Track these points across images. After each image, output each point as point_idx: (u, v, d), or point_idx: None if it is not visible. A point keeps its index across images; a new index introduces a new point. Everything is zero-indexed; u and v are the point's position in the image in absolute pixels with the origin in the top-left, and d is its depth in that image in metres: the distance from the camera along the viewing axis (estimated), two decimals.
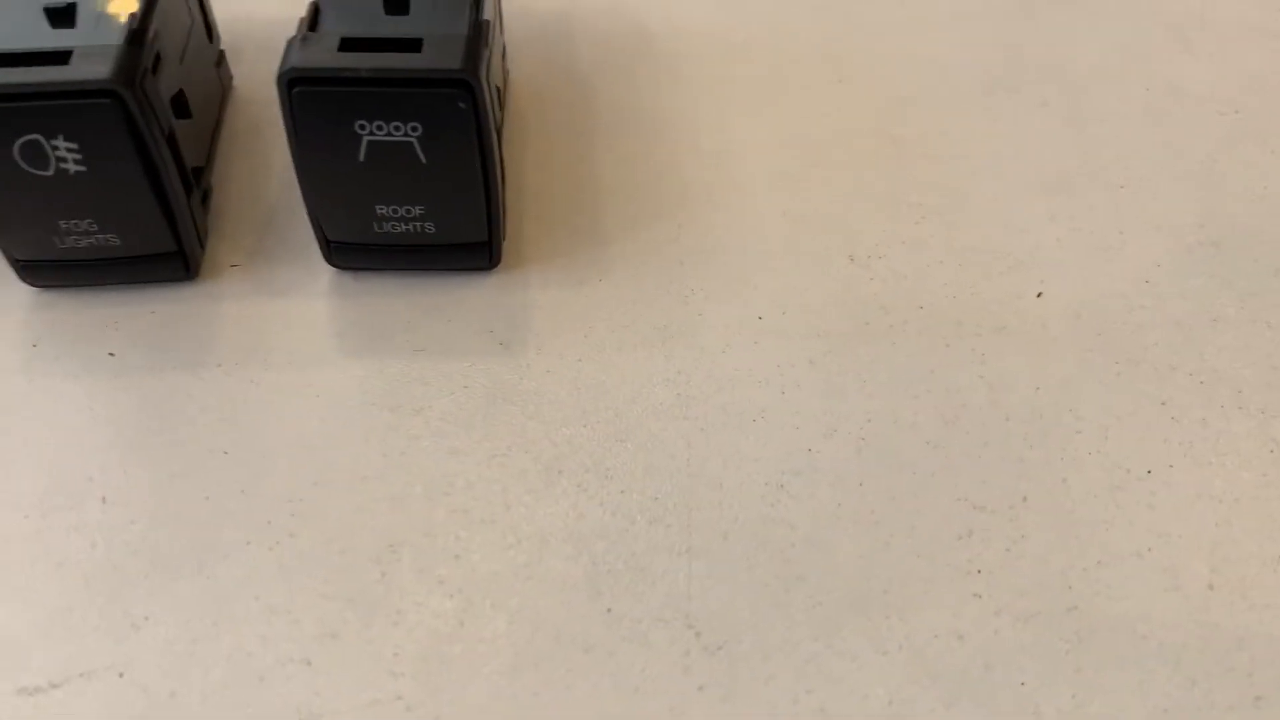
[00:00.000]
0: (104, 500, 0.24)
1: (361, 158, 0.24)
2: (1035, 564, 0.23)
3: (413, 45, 0.24)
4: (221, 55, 0.31)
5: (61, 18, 0.24)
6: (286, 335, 0.26)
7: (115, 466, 0.24)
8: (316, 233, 0.26)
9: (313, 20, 0.25)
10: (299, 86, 0.23)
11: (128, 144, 0.24)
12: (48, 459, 0.24)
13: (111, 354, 0.26)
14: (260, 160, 0.30)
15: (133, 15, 0.24)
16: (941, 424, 0.25)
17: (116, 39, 0.24)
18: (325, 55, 0.23)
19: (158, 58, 0.25)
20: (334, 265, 0.27)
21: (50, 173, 0.24)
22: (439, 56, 0.23)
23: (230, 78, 0.32)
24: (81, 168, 0.24)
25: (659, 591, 0.23)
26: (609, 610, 0.22)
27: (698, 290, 0.27)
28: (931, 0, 0.35)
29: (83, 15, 0.24)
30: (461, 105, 0.23)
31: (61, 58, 0.23)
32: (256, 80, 0.32)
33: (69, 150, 0.23)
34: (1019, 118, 0.32)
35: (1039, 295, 0.27)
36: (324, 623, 0.22)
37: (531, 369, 0.26)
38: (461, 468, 0.24)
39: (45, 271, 0.26)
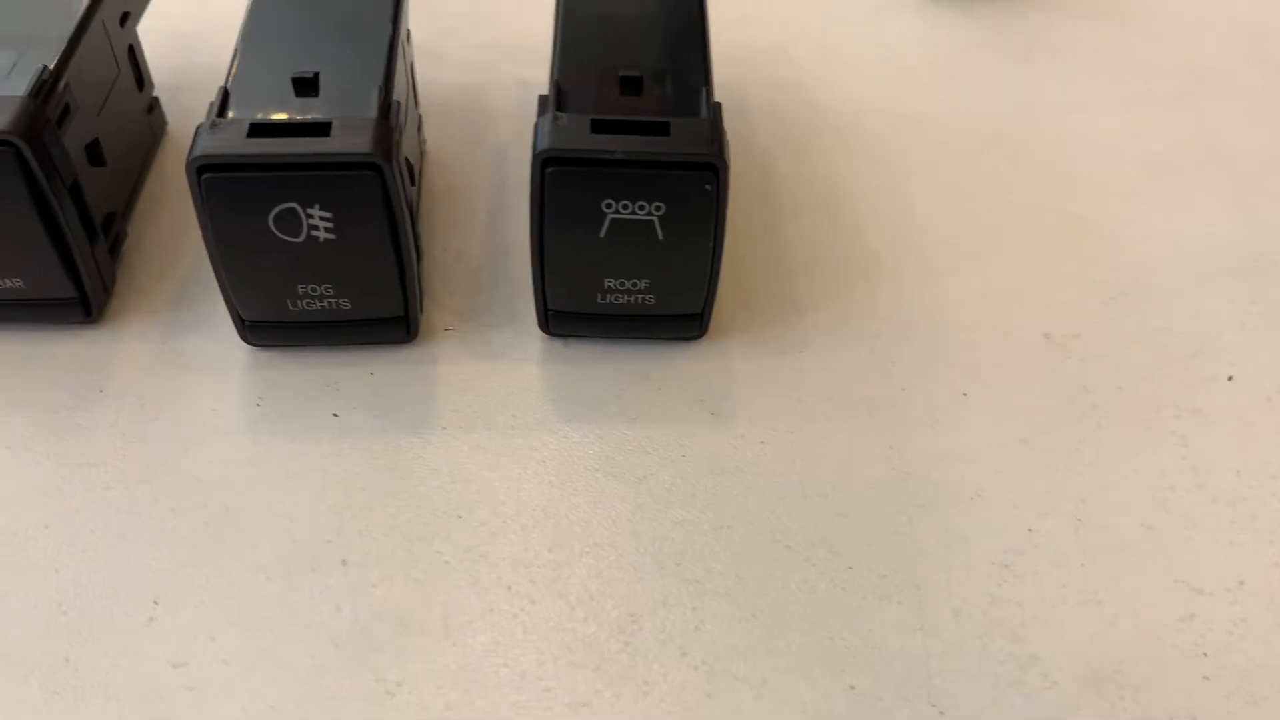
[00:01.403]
0: (344, 563, 0.24)
1: (602, 233, 0.25)
2: (1260, 646, 0.24)
3: (660, 129, 0.24)
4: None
5: (307, 88, 0.25)
6: (504, 399, 0.27)
7: (352, 528, 0.25)
8: (538, 300, 0.27)
9: (561, 100, 0.25)
10: (553, 166, 0.24)
11: (381, 215, 0.24)
12: (284, 520, 0.25)
13: (335, 415, 0.27)
14: (463, 226, 0.31)
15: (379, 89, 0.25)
16: (1152, 505, 0.26)
17: (368, 111, 0.24)
18: (581, 137, 0.24)
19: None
20: (549, 333, 0.28)
21: (301, 239, 0.24)
22: (689, 141, 0.24)
23: None
24: (331, 236, 0.24)
25: (898, 669, 0.23)
26: (851, 687, 0.23)
27: (898, 363, 0.28)
28: (1095, 83, 0.36)
29: (326, 88, 0.25)
30: (708, 187, 0.24)
31: (321, 129, 0.24)
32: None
33: (323, 219, 0.24)
34: (1188, 199, 0.32)
35: (1230, 379, 0.28)
36: (575, 691, 0.22)
37: (745, 440, 0.27)
38: (690, 538, 0.25)
39: (271, 332, 0.27)
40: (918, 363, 0.28)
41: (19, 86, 0.25)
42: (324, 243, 0.24)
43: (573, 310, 0.27)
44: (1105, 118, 0.35)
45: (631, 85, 0.26)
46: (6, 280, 0.26)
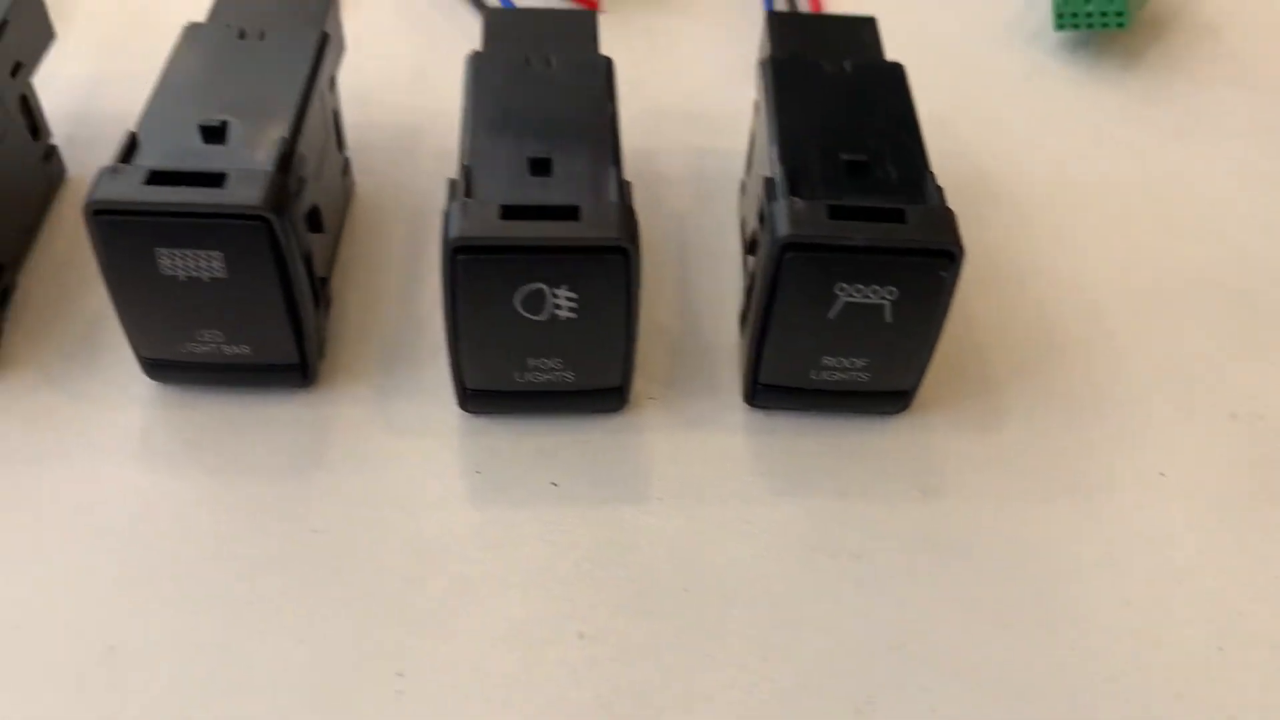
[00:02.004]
0: (581, 636, 0.25)
1: (832, 315, 0.25)
2: None
3: (896, 216, 0.25)
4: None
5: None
6: (714, 471, 0.27)
7: (585, 600, 0.25)
8: (748, 373, 0.27)
9: (795, 187, 0.26)
10: (791, 252, 0.25)
11: (621, 295, 0.25)
12: (517, 591, 0.25)
13: (554, 484, 0.27)
14: (662, 297, 0.31)
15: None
16: None
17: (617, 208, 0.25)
18: (822, 225, 0.24)
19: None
20: (755, 405, 0.28)
21: (543, 318, 0.25)
22: (925, 228, 0.25)
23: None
24: (573, 315, 0.25)
25: None
26: None
27: (1094, 441, 0.28)
28: (1248, 156, 0.37)
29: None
30: (943, 275, 0.25)
31: (570, 213, 0.24)
32: None
33: (566, 300, 0.25)
34: None
35: None
36: None
37: (955, 517, 0.27)
38: (913, 618, 0.25)
39: (493, 401, 0.27)
40: (1113, 441, 0.28)
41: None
42: (564, 321, 0.25)
43: (785, 385, 0.27)
44: (1264, 192, 0.35)
45: (858, 170, 0.26)
46: (235, 347, 0.26)
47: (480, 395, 0.27)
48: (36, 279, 0.30)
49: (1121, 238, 0.34)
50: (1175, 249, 0.34)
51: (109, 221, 0.24)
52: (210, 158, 0.25)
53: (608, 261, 0.24)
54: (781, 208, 0.25)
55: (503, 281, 0.24)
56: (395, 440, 0.27)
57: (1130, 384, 0.30)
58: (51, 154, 0.32)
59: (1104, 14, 0.37)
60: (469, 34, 0.38)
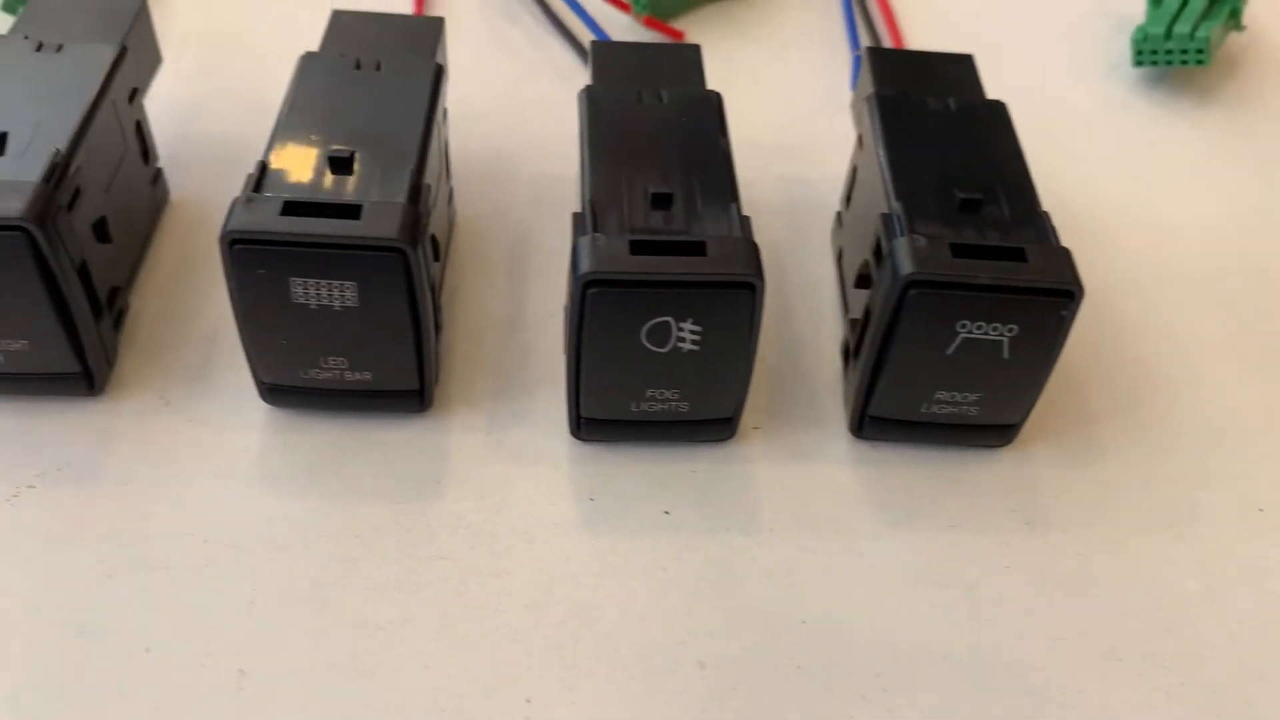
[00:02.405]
0: (702, 665, 0.25)
1: (950, 351, 0.26)
2: None
3: (1017, 254, 0.25)
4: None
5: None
6: (823, 501, 0.28)
7: (702, 630, 0.25)
8: (858, 405, 0.28)
9: (912, 222, 0.26)
10: (914, 289, 0.25)
11: (746, 329, 0.25)
12: (636, 619, 0.25)
13: (667, 512, 0.27)
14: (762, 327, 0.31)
15: None
16: None
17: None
18: (944, 262, 0.25)
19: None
20: (862, 437, 0.29)
21: (667, 350, 0.25)
22: (1046, 267, 0.25)
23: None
24: (695, 347, 0.25)
25: None
26: None
27: (1194, 475, 0.29)
28: None
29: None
30: (1063, 314, 0.25)
31: (697, 248, 0.25)
32: None
33: (690, 333, 0.25)
34: None
35: None
36: None
37: (1062, 550, 0.27)
38: (1028, 650, 0.25)
39: (607, 428, 0.28)
40: (1212, 476, 0.29)
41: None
42: (686, 353, 0.25)
43: (895, 418, 0.28)
44: None
45: (973, 207, 0.27)
46: (357, 373, 0.27)
47: (594, 423, 0.27)
48: (145, 301, 0.31)
49: (1205, 274, 0.34)
50: (1260, 286, 0.34)
51: (244, 251, 0.24)
52: (341, 189, 0.25)
53: (735, 296, 0.25)
54: (903, 245, 0.25)
55: (631, 315, 0.25)
56: (510, 467, 0.28)
57: (1223, 419, 0.30)
58: (158, 177, 0.32)
59: (1184, 51, 0.38)
60: (558, 65, 0.39)
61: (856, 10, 0.40)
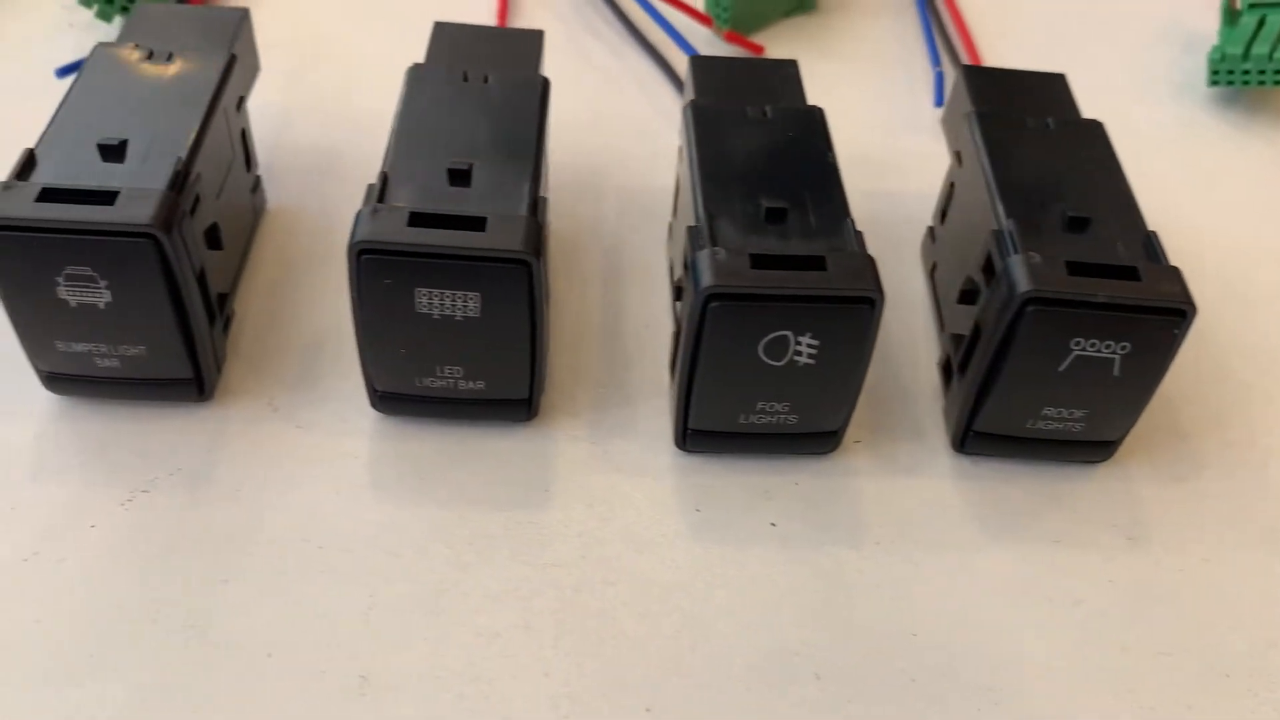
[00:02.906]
0: (818, 677, 0.25)
1: (1062, 368, 0.26)
2: None
3: (1130, 273, 0.26)
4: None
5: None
6: (926, 515, 0.28)
7: (815, 642, 0.26)
8: (962, 419, 0.28)
9: (1026, 241, 0.26)
10: (1032, 306, 0.25)
11: (863, 343, 0.26)
12: (749, 630, 0.26)
13: (773, 524, 0.28)
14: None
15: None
16: None
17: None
18: (1060, 280, 0.25)
19: None
20: (966, 452, 0.29)
21: (783, 364, 0.26)
22: (1160, 285, 0.25)
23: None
24: (811, 361, 0.26)
25: None
26: None
27: None
28: None
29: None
30: (1175, 331, 0.25)
31: (817, 263, 0.25)
32: None
33: (808, 347, 0.25)
34: None
35: None
36: None
37: (1162, 566, 0.28)
38: (1136, 666, 0.26)
39: (713, 440, 0.28)
40: None
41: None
42: (802, 366, 0.26)
43: (1000, 433, 0.28)
44: None
45: (1081, 225, 0.27)
46: (471, 383, 0.27)
47: (701, 435, 0.28)
48: (248, 307, 0.31)
49: None
50: None
51: (372, 260, 0.25)
52: (463, 201, 0.26)
53: (856, 311, 0.25)
54: (1019, 262, 0.26)
55: (750, 328, 0.25)
56: (616, 477, 0.28)
57: None
58: (257, 184, 0.33)
59: (1262, 72, 0.38)
60: (640, 77, 0.39)
61: (935, 29, 0.41)
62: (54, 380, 0.27)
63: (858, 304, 0.25)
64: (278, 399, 0.29)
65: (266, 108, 0.36)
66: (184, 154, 0.26)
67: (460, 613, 0.25)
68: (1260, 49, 0.38)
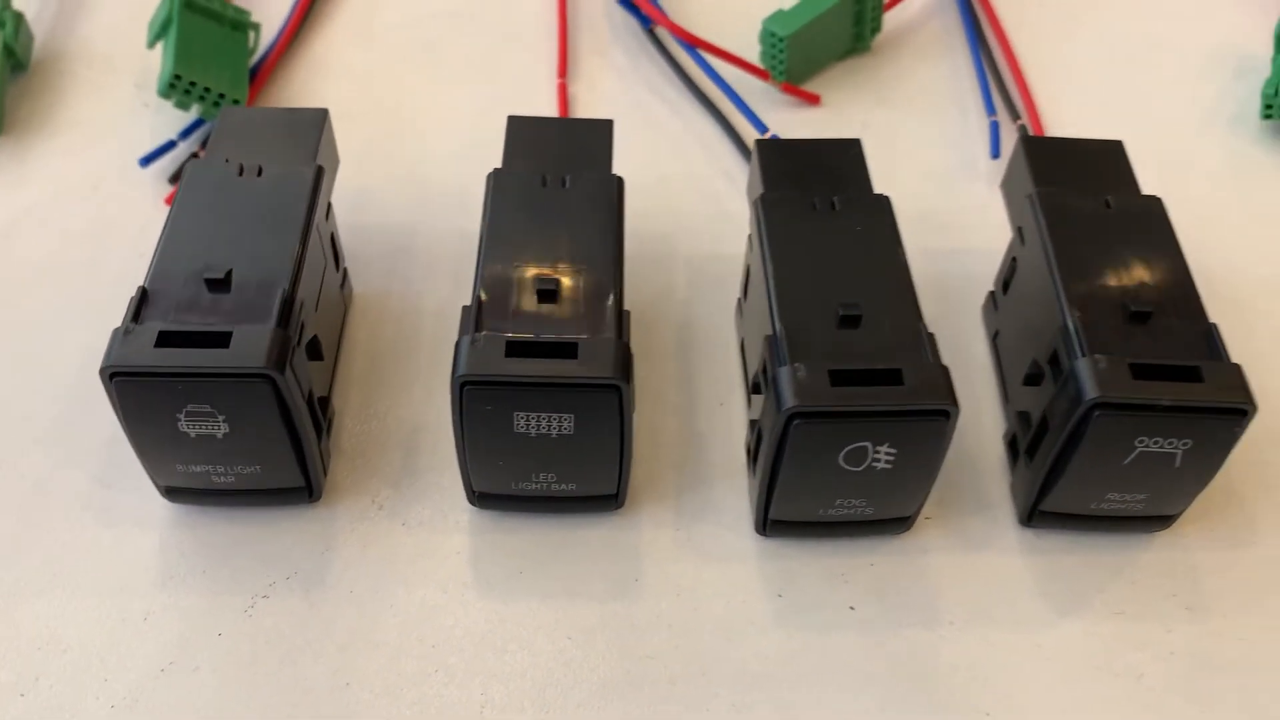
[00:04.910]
0: None
1: (1127, 462, 0.27)
2: None
3: (1193, 374, 0.27)
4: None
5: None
6: (996, 591, 0.30)
7: None
8: (1029, 500, 0.29)
9: (1093, 344, 0.27)
10: (1099, 411, 0.26)
11: (939, 449, 0.27)
12: (834, 713, 0.27)
13: (852, 608, 0.29)
14: None
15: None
16: None
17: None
18: (1125, 384, 0.26)
19: None
20: (1032, 526, 0.30)
21: (861, 469, 0.27)
22: (1222, 387, 0.26)
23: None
24: (889, 465, 0.27)
25: None
26: None
27: None
28: None
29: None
30: (1236, 430, 0.27)
31: (894, 377, 0.26)
32: None
33: (886, 454, 0.27)
34: None
35: None
36: None
37: (1224, 635, 0.29)
38: None
39: (794, 528, 0.29)
40: None
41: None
42: (880, 470, 0.27)
43: (1065, 512, 0.29)
44: None
45: (1142, 319, 0.28)
46: (564, 485, 0.29)
47: (781, 524, 0.29)
48: (345, 403, 0.33)
49: None
50: None
51: (474, 390, 0.26)
52: (552, 322, 0.27)
53: (932, 423, 0.26)
54: (1086, 367, 0.27)
55: (831, 442, 0.26)
56: (702, 565, 0.30)
57: None
58: (345, 278, 0.34)
59: None
60: (701, 136, 0.40)
61: (988, 69, 0.41)
62: (172, 493, 0.29)
63: (934, 416, 0.26)
64: (381, 495, 0.31)
65: (340, 185, 0.37)
66: (287, 285, 0.28)
67: (566, 708, 0.27)
68: None
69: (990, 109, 0.39)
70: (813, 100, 0.40)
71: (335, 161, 0.33)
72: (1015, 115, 0.39)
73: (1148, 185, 0.33)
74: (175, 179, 0.37)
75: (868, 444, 0.27)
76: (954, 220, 0.38)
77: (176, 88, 0.36)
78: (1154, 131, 0.41)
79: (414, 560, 0.30)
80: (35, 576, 0.29)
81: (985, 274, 0.35)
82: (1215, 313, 0.35)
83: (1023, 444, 0.30)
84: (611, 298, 0.28)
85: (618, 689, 0.28)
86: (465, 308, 0.28)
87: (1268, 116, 0.39)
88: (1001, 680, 0.28)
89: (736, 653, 0.28)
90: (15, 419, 0.32)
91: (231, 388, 0.26)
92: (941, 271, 0.36)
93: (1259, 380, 0.33)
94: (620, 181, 0.31)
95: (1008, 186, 0.34)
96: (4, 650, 0.28)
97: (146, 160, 0.37)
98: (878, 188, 0.32)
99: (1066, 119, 0.41)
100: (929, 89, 0.42)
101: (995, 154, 0.38)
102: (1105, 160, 0.33)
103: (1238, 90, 0.43)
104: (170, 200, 0.33)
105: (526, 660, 0.28)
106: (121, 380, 0.26)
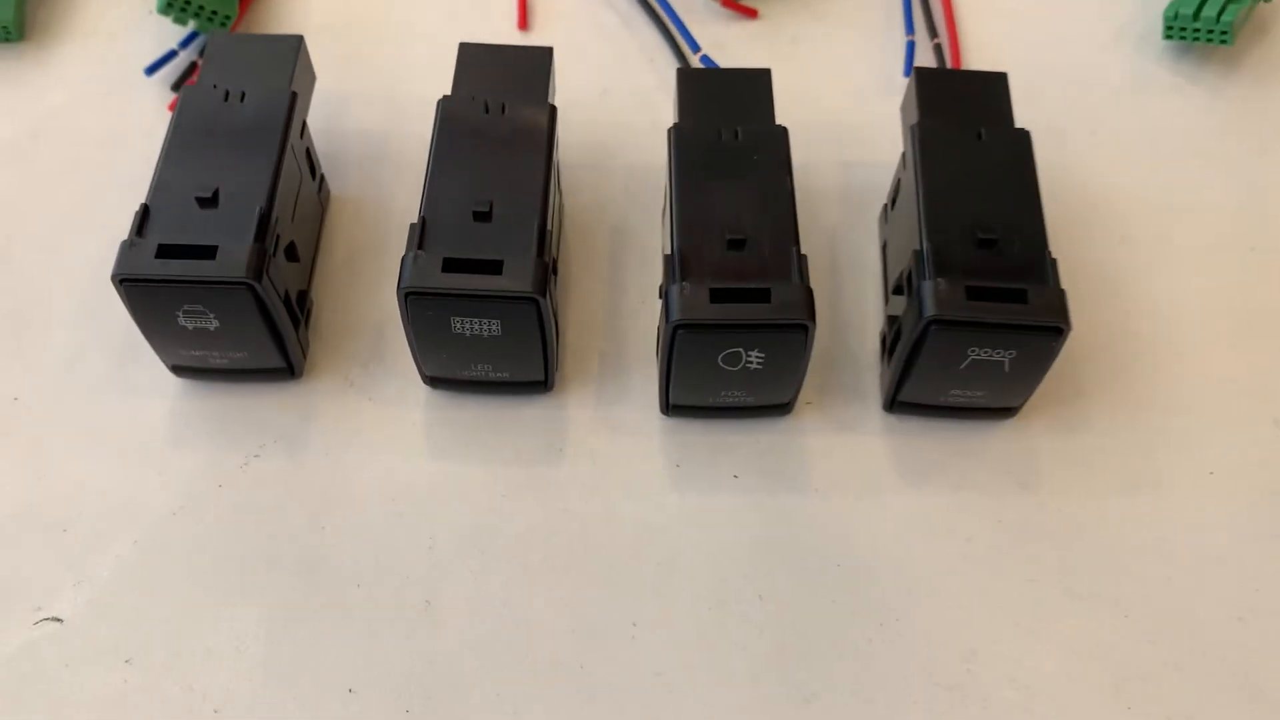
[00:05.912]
0: (760, 598, 0.33)
1: (961, 366, 0.33)
2: None
3: (1019, 295, 0.31)
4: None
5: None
6: (860, 466, 0.36)
7: (763, 569, 0.34)
8: (889, 391, 0.35)
9: None
10: (935, 326, 0.32)
11: (801, 357, 0.32)
12: (712, 561, 0.34)
13: (736, 476, 0.35)
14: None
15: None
16: None
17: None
18: (958, 305, 0.31)
19: None
20: (894, 413, 0.36)
21: (737, 369, 0.33)
22: (1043, 309, 0.31)
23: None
24: (760, 366, 0.32)
25: None
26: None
27: (1161, 442, 0.36)
28: None
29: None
30: (1053, 344, 0.32)
31: (764, 295, 0.31)
32: None
33: (757, 358, 0.32)
34: None
35: None
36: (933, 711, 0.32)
37: (1047, 508, 0.35)
38: (1002, 587, 0.34)
39: (689, 411, 0.35)
40: (1176, 443, 0.36)
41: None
42: (754, 369, 0.33)
43: (919, 402, 0.35)
44: None
45: (988, 245, 0.33)
46: (500, 373, 0.35)
47: (680, 407, 0.35)
48: (322, 293, 0.38)
49: (1206, 255, 0.40)
50: (1254, 265, 0.39)
51: (416, 299, 0.32)
52: (484, 241, 0.32)
53: (793, 334, 0.32)
54: (928, 289, 0.32)
55: (709, 347, 0.32)
56: (615, 438, 0.36)
57: (1191, 393, 0.37)
58: (321, 184, 0.39)
59: (1210, 30, 0.41)
60: (647, 49, 0.44)
61: None
62: (178, 370, 0.36)
63: (795, 329, 0.31)
64: (353, 375, 0.37)
65: (320, 93, 0.42)
66: (264, 202, 0.33)
67: (498, 549, 0.34)
68: (1209, 11, 0.41)
69: (910, 28, 0.43)
70: (750, 14, 0.44)
71: (311, 81, 0.38)
72: (934, 33, 0.43)
73: (1050, 103, 0.36)
74: (177, 86, 0.42)
75: (740, 349, 0.32)
76: (866, 134, 0.42)
77: (174, 5, 0.41)
78: (1061, 49, 0.45)
79: (379, 429, 0.36)
80: (72, 437, 0.36)
81: (886, 186, 0.40)
82: (1097, 227, 0.40)
83: (887, 343, 0.35)
84: (536, 220, 0.33)
85: (539, 534, 0.34)
86: (411, 225, 0.33)
87: (1168, 37, 0.43)
88: (852, 538, 0.34)
89: (639, 508, 0.35)
90: (48, 307, 0.38)
91: (218, 292, 0.32)
92: (850, 184, 0.41)
93: (1117, 286, 0.38)
94: (553, 110, 0.35)
95: (904, 111, 0.38)
96: (51, 496, 0.35)
97: (151, 69, 0.42)
98: (800, 102, 0.36)
99: (985, 37, 0.45)
100: (864, 4, 0.46)
101: (908, 73, 0.42)
102: (989, 92, 0.37)
103: (1143, 15, 0.46)
104: (172, 107, 0.37)
105: (466, 510, 0.35)
106: (128, 285, 0.32)
